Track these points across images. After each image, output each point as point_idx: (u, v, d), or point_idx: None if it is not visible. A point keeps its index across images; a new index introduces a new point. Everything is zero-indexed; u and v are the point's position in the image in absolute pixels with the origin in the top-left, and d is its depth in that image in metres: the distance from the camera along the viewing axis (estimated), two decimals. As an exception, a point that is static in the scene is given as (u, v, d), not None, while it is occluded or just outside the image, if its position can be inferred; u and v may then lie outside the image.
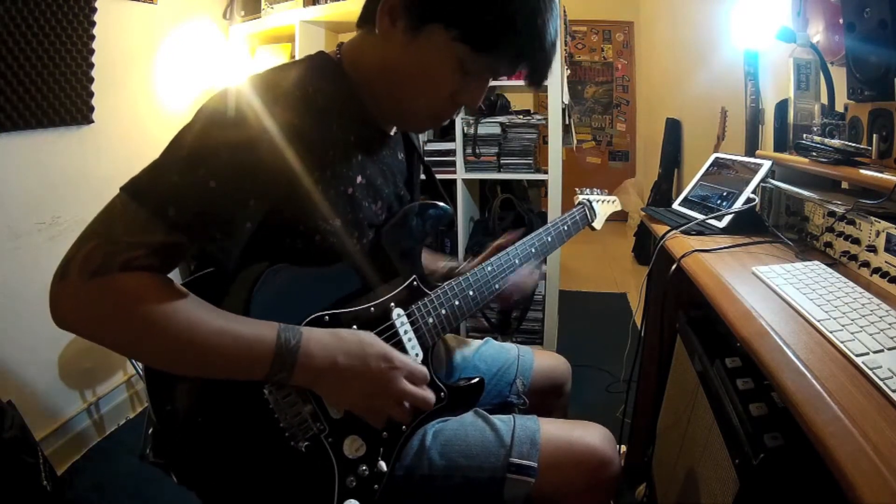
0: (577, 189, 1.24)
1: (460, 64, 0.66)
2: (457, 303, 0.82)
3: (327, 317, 0.69)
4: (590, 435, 0.82)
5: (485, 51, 0.65)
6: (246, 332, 0.59)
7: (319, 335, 0.63)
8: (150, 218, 0.55)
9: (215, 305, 0.60)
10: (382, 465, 0.71)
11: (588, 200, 1.17)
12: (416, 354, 0.77)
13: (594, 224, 1.17)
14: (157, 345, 0.57)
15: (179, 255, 0.58)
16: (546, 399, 1.06)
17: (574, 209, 1.13)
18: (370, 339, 0.67)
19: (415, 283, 0.79)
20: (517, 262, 0.91)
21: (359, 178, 0.71)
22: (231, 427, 0.64)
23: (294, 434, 0.65)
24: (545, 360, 1.09)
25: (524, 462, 0.76)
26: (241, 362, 0.59)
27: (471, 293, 0.84)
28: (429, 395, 0.68)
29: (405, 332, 0.76)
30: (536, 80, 0.71)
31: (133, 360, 1.76)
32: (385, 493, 0.71)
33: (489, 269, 0.87)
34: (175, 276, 0.61)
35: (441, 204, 0.83)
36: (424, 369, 0.70)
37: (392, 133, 0.80)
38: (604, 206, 1.22)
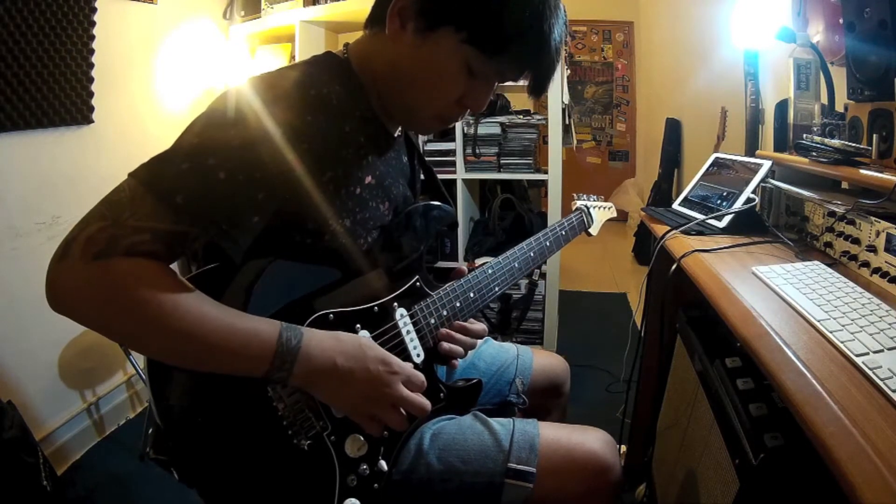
0: (574, 195, 1.26)
1: (468, 67, 0.67)
2: (457, 304, 0.82)
3: (331, 315, 0.69)
4: (590, 440, 0.81)
5: (493, 54, 0.66)
6: (247, 328, 0.59)
7: (320, 336, 0.63)
8: (158, 204, 0.55)
9: (218, 299, 0.60)
10: (383, 464, 0.71)
11: (586, 206, 1.20)
12: (418, 354, 0.77)
13: (591, 230, 1.20)
14: (154, 333, 0.56)
15: (184, 245, 0.58)
16: (545, 398, 1.07)
17: (572, 214, 1.15)
18: (369, 343, 0.67)
19: (417, 283, 0.79)
20: (516, 265, 0.92)
21: (368, 179, 0.71)
22: (233, 424, 0.64)
23: (297, 432, 0.65)
24: (544, 360, 1.09)
25: (522, 468, 0.75)
26: (240, 358, 0.58)
27: (471, 294, 0.84)
28: (425, 401, 0.68)
29: (407, 331, 0.76)
30: (539, 88, 0.71)
31: (133, 360, 1.76)
32: (383, 497, 0.71)
33: (490, 271, 0.88)
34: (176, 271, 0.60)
35: (444, 205, 0.83)
36: (422, 376, 0.69)
37: (396, 135, 0.80)
38: (600, 212, 1.24)
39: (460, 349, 0.81)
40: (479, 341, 0.82)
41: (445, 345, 0.80)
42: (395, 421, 0.67)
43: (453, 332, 0.81)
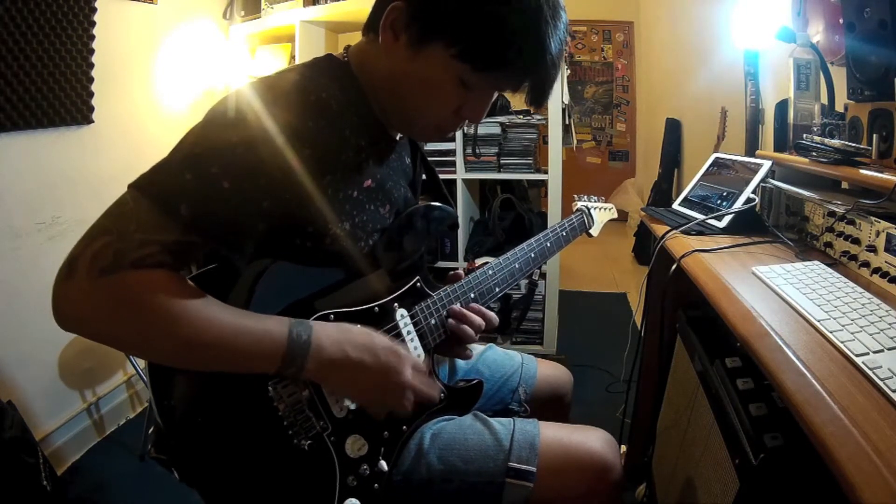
0: (575, 196, 1.26)
1: (461, 81, 0.66)
2: (458, 304, 0.82)
3: (332, 316, 0.69)
4: (591, 440, 0.81)
5: (485, 70, 0.65)
6: (258, 327, 0.59)
7: (329, 329, 0.64)
8: (163, 215, 0.55)
9: (220, 300, 0.60)
10: (383, 464, 0.71)
11: (587, 207, 1.19)
12: (419, 355, 0.77)
13: (591, 231, 1.19)
14: (169, 342, 0.56)
15: (192, 254, 0.58)
16: (546, 408, 1.05)
17: (572, 215, 1.14)
18: (377, 333, 0.68)
19: (418, 283, 0.79)
20: (517, 265, 0.92)
21: (367, 182, 0.71)
22: (234, 424, 0.64)
23: (297, 432, 0.65)
24: (549, 371, 1.08)
25: (523, 467, 0.75)
26: (252, 357, 0.59)
27: (472, 295, 0.84)
28: (433, 388, 0.69)
29: (408, 332, 0.76)
30: (537, 100, 0.70)
31: (133, 361, 1.76)
32: (383, 498, 0.71)
33: (490, 272, 0.88)
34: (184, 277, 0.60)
35: (444, 206, 0.83)
36: (424, 364, 0.71)
37: (398, 137, 0.80)
38: (601, 213, 1.23)
39: (469, 331, 0.80)
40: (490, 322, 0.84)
41: (452, 322, 0.80)
42: (405, 407, 0.68)
43: (467, 312, 0.81)
